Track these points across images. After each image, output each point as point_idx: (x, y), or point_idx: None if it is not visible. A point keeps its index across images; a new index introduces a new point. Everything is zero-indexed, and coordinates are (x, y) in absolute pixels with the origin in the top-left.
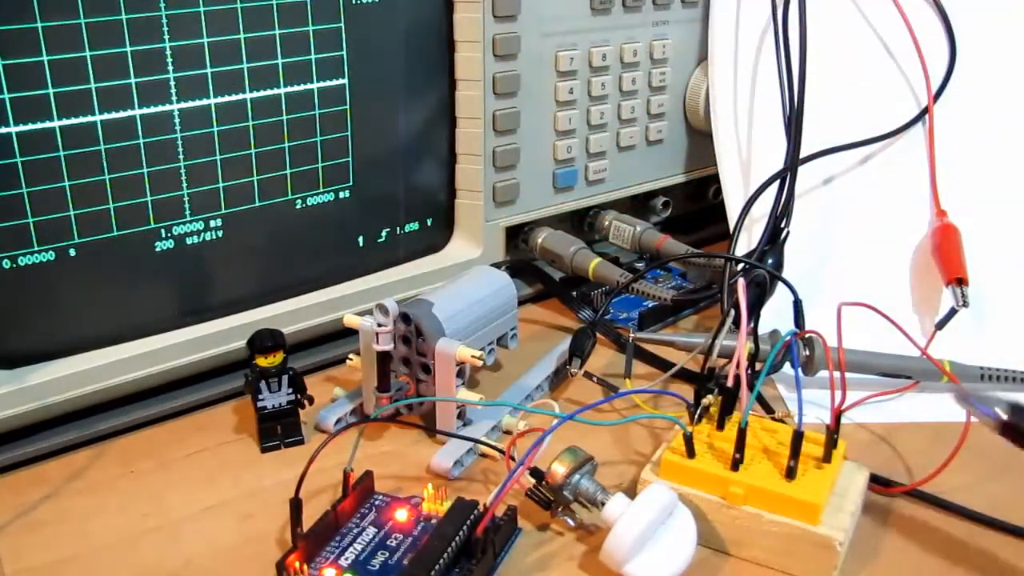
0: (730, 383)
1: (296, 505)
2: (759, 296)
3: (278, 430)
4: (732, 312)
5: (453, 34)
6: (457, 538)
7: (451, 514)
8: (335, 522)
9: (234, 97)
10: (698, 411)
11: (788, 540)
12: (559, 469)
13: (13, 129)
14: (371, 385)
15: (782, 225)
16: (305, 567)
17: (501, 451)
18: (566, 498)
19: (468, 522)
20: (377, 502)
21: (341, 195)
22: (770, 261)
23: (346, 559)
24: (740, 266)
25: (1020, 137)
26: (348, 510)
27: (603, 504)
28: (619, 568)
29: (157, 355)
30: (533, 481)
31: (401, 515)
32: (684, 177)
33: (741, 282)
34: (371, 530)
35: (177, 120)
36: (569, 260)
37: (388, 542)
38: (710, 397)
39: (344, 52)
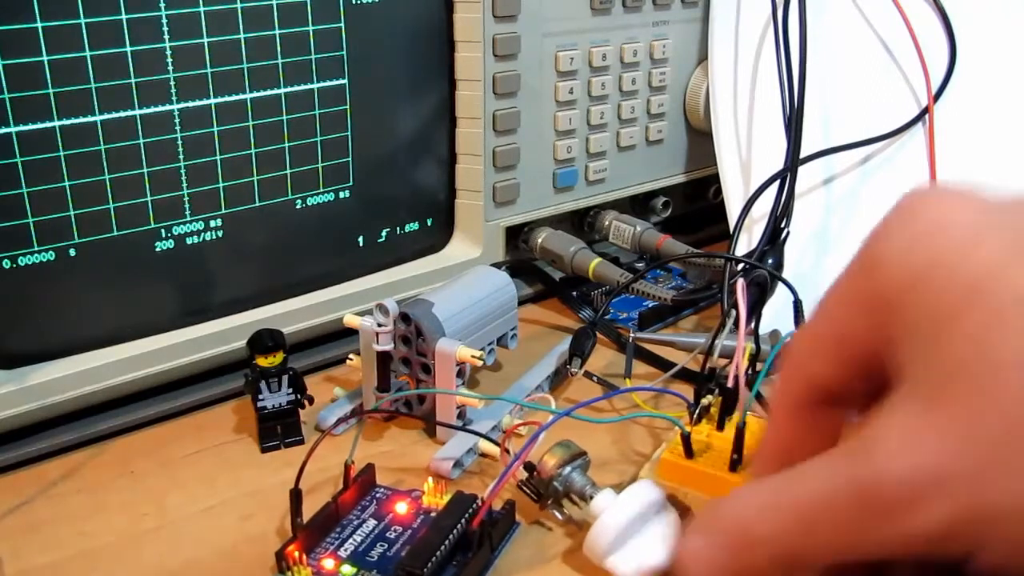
0: (730, 383)
1: (296, 495)
2: (759, 296)
3: (278, 430)
4: (732, 312)
5: (453, 34)
6: (455, 531)
7: (449, 507)
8: (336, 513)
9: (234, 97)
10: (697, 411)
11: None
12: (549, 461)
13: (13, 129)
14: (371, 385)
15: (782, 225)
16: (304, 557)
17: (497, 443)
18: (556, 490)
19: (466, 515)
20: (378, 495)
21: (341, 195)
22: (770, 261)
23: (345, 550)
24: (740, 266)
25: (1020, 137)
26: (349, 502)
27: (591, 498)
28: (600, 561)
29: (157, 355)
30: (526, 474)
31: (401, 508)
32: (684, 177)
33: (740, 282)
34: (371, 522)
35: (177, 120)
36: (569, 260)
37: (388, 534)
38: (710, 397)
39: (344, 52)
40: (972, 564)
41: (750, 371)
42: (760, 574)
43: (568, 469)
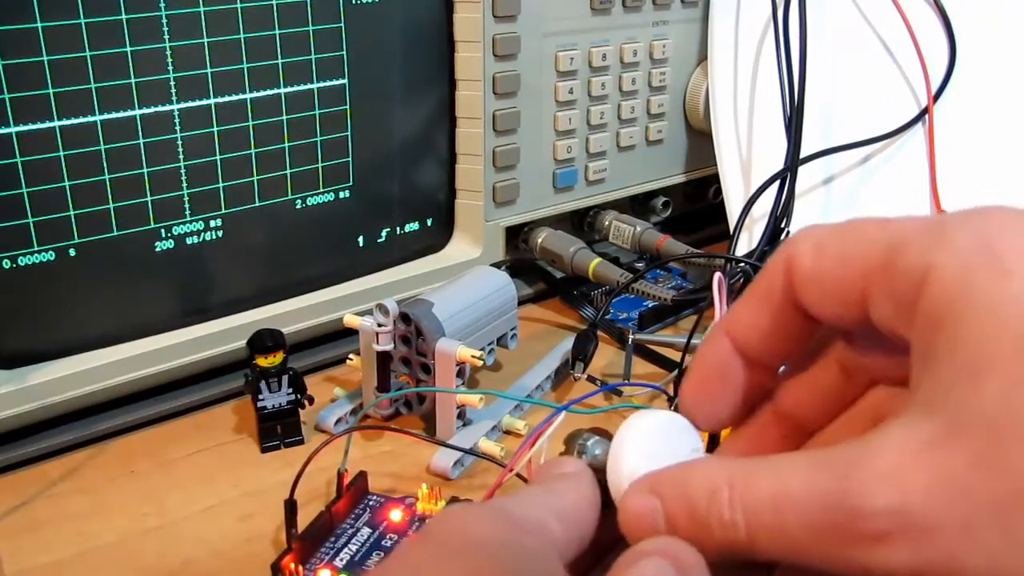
0: None
1: (291, 506)
2: None
3: (278, 430)
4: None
5: (453, 34)
6: None
7: None
8: (330, 523)
9: (234, 97)
10: (674, 403)
11: None
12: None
13: (13, 129)
14: (371, 385)
15: (782, 225)
16: (300, 568)
17: (500, 463)
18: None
19: None
20: (371, 502)
21: (341, 195)
22: None
23: (341, 560)
24: (740, 265)
25: (1020, 137)
26: (342, 511)
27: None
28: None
29: (157, 355)
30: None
31: (395, 515)
32: (684, 177)
33: (718, 275)
34: (365, 531)
35: (177, 120)
36: (569, 260)
37: (383, 543)
38: None
39: (344, 52)
40: None
41: None
42: (700, 551)
43: (591, 441)
